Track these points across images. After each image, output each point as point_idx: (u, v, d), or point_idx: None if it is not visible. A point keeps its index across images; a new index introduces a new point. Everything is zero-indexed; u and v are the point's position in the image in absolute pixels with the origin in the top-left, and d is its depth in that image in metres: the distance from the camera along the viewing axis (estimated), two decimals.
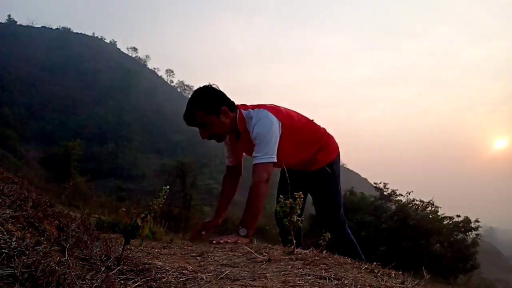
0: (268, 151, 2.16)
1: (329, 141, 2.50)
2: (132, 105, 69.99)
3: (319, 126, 2.52)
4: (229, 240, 1.96)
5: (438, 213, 16.76)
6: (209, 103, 2.19)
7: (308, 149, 2.41)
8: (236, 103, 2.31)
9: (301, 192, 1.60)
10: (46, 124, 53.98)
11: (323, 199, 2.45)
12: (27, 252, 0.84)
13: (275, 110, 2.29)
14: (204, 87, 2.25)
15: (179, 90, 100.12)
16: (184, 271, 1.18)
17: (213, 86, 2.27)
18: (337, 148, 2.54)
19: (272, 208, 2.06)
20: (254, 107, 2.31)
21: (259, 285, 1.08)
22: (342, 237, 2.39)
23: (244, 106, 2.31)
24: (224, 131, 2.26)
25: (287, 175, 1.96)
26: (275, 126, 2.20)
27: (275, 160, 2.17)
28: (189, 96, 2.27)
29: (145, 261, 1.26)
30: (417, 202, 17.21)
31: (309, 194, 2.52)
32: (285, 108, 2.40)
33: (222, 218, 2.56)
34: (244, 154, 2.53)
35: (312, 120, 2.52)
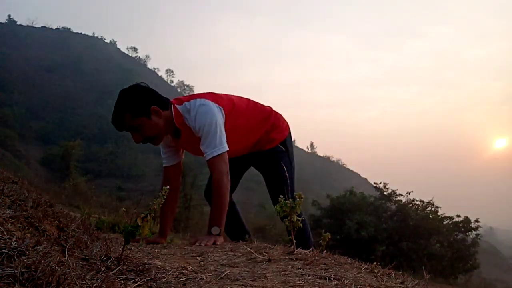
0: (217, 142, 2.04)
1: (279, 119, 2.42)
2: None
3: (264, 106, 2.41)
4: (208, 243, 1.87)
5: (438, 213, 16.77)
6: (136, 104, 1.98)
7: (256, 131, 2.31)
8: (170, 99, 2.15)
9: (301, 192, 1.60)
10: (46, 124, 53.98)
11: (277, 177, 2.30)
12: (27, 252, 0.84)
13: (213, 96, 2.17)
14: (130, 87, 2.05)
15: (179, 90, 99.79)
16: (184, 271, 1.19)
17: (141, 84, 2.08)
18: (288, 125, 2.48)
19: (272, 207, 2.04)
20: (189, 98, 2.16)
21: (259, 285, 1.08)
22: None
23: (178, 100, 2.15)
24: (158, 132, 2.07)
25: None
26: (217, 113, 2.08)
27: (228, 148, 2.07)
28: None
29: (145, 261, 1.26)
30: (417, 202, 17.20)
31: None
32: (225, 94, 2.28)
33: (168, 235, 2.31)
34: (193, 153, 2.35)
35: (255, 102, 2.40)
